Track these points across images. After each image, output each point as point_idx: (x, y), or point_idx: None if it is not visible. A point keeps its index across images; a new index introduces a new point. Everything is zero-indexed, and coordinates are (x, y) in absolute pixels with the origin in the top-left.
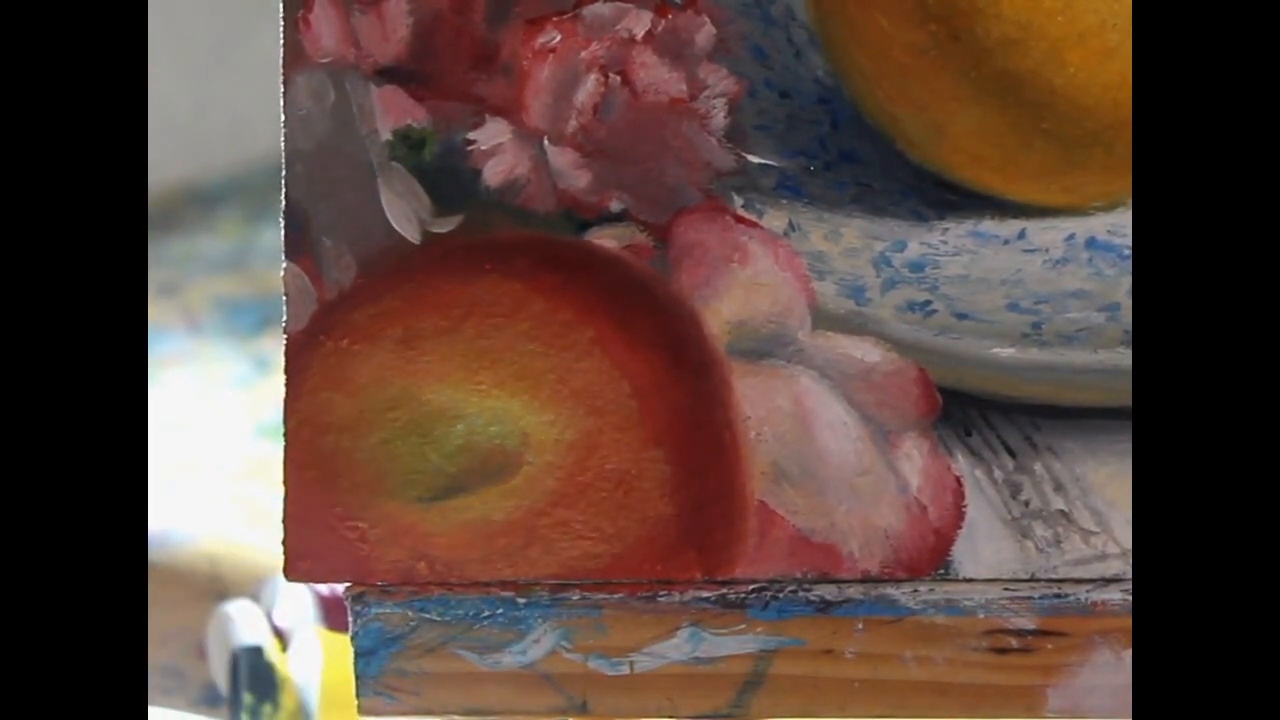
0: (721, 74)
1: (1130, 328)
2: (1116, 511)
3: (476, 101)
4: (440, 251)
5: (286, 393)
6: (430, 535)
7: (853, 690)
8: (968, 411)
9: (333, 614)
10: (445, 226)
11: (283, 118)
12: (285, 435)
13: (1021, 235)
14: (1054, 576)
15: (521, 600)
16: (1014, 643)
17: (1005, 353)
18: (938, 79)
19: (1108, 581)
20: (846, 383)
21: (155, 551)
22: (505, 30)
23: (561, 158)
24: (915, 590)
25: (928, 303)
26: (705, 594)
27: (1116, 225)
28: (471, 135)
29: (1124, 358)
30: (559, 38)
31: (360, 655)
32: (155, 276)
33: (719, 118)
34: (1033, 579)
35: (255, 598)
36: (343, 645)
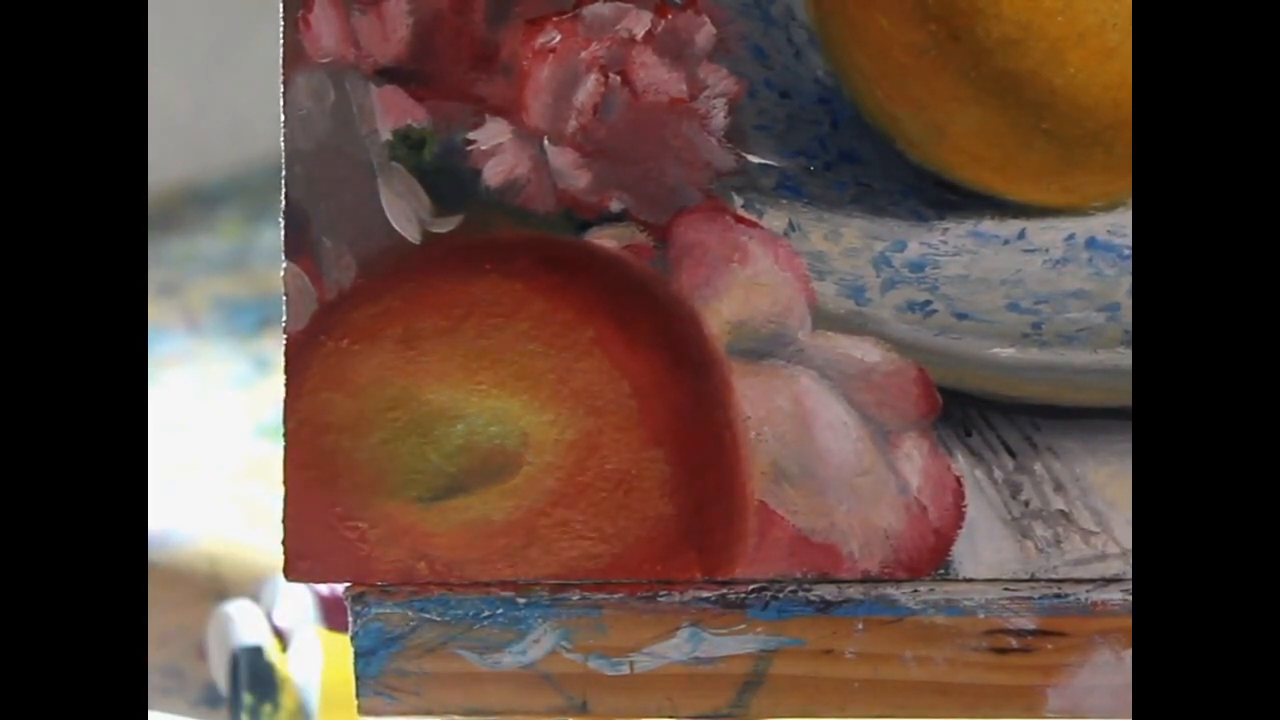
0: (721, 74)
1: (1130, 328)
2: (1116, 511)
3: (476, 101)
4: (440, 251)
5: (286, 393)
6: (430, 535)
7: (853, 690)
8: (968, 411)
9: (333, 614)
10: (445, 226)
11: (283, 118)
12: (285, 435)
13: (1021, 235)
14: (1054, 576)
15: (521, 600)
16: (1014, 643)
17: (1005, 353)
18: (938, 79)
19: (1108, 581)
20: (846, 383)
21: (155, 551)
22: (505, 30)
23: (561, 158)
24: (915, 590)
25: (928, 303)
26: (705, 594)
27: (1116, 225)
28: (471, 135)
29: (1124, 358)
30: (559, 38)
31: (360, 655)
32: (155, 276)
33: (719, 118)
34: (1033, 579)
35: (255, 598)
36: (343, 645)
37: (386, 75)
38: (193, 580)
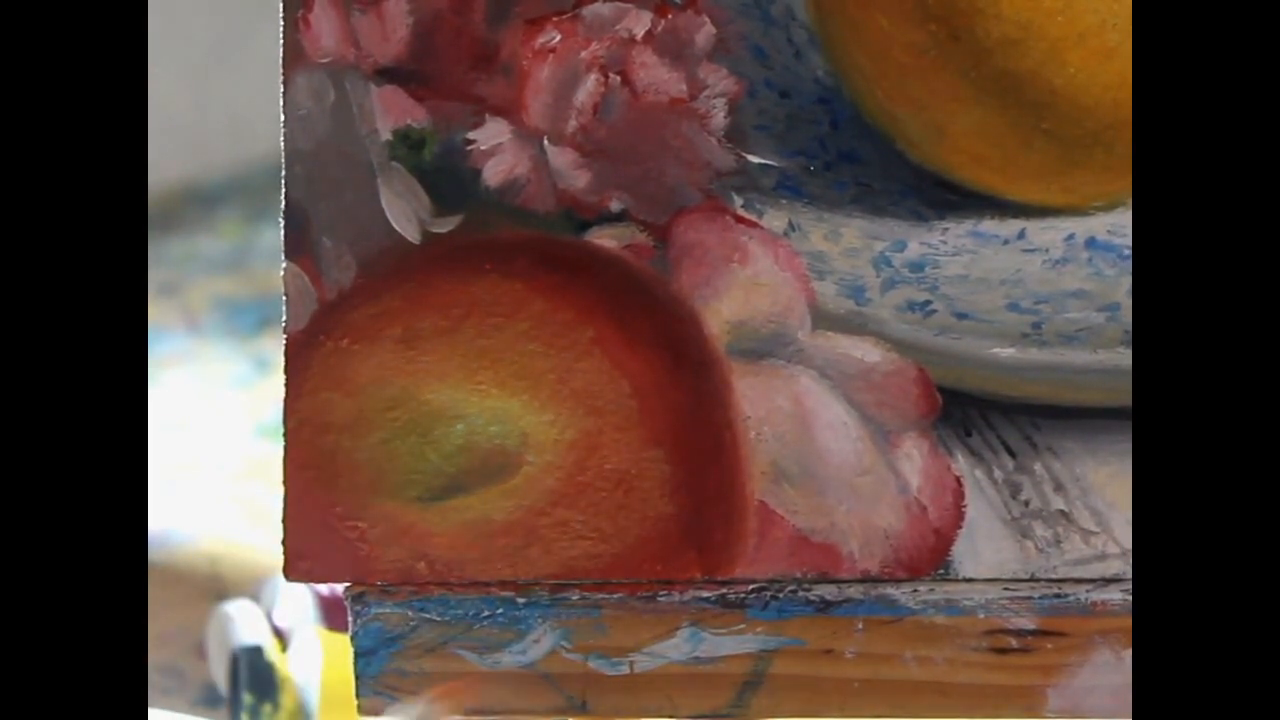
0: (721, 74)
1: (1130, 328)
2: (1116, 511)
3: (476, 101)
4: (440, 251)
5: (286, 393)
6: (430, 535)
7: (853, 690)
8: (968, 411)
9: (333, 614)
10: (445, 226)
11: (283, 118)
12: (285, 435)
13: (1021, 235)
14: (1054, 576)
15: (521, 600)
16: (1014, 643)
17: (1005, 353)
18: (938, 79)
19: (1108, 581)
20: (846, 383)
21: (155, 551)
22: (505, 30)
23: (561, 158)
24: (915, 590)
25: (928, 303)
26: (705, 594)
27: (1116, 225)
28: (471, 135)
29: (1124, 358)
30: (559, 38)
31: (360, 655)
32: (155, 276)
33: (719, 118)
34: (1033, 579)
35: (255, 598)
36: (343, 645)
37: (386, 75)
38: (193, 580)
